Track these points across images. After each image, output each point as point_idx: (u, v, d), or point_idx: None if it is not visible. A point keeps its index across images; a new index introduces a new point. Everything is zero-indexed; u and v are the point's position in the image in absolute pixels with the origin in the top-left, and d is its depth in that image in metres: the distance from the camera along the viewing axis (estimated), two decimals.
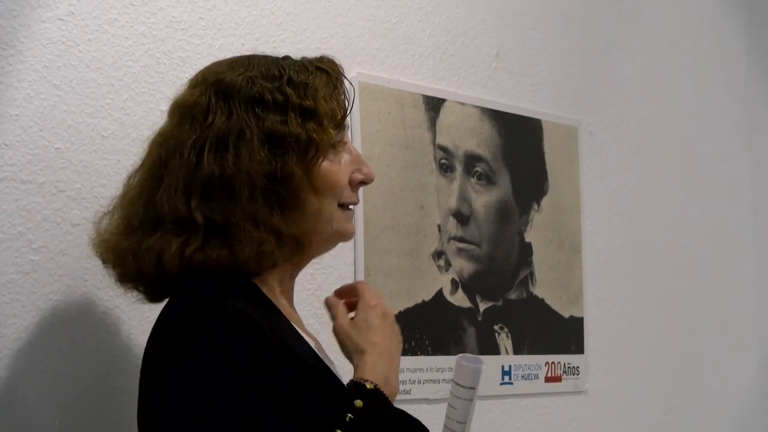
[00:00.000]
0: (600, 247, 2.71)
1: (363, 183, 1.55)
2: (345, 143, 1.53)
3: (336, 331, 1.51)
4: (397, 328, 1.52)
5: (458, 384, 1.52)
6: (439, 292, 2.26)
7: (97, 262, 1.68)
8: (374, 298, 1.52)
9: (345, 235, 1.56)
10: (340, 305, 1.54)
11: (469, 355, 1.55)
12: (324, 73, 1.51)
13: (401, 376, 1.52)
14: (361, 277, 2.09)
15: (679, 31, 3.07)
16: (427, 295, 2.23)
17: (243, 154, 1.43)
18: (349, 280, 2.05)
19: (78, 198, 1.69)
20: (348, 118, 1.55)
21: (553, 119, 2.58)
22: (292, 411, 1.34)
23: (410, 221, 2.21)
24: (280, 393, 1.34)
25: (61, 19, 1.67)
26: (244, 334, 1.35)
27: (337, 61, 1.56)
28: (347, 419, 1.35)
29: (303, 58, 1.54)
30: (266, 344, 1.36)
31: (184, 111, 1.49)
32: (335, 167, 1.50)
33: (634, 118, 2.87)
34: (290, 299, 1.55)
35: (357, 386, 1.40)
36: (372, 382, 1.40)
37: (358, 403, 1.37)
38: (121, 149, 1.75)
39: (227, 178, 1.42)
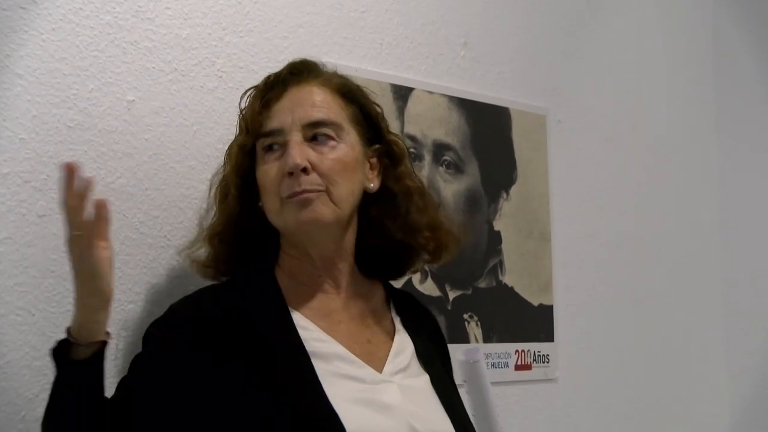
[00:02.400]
0: (569, 235, 2.72)
1: (290, 174, 1.63)
2: (287, 141, 1.65)
3: None
4: (81, 258, 1.47)
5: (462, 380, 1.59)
6: (409, 281, 2.26)
7: (63, 253, 1.68)
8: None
9: (292, 226, 1.66)
10: None
11: (471, 348, 1.55)
12: (262, 83, 1.72)
13: None
14: None
15: (647, 22, 3.08)
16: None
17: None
18: None
19: (44, 189, 1.68)
20: (307, 113, 1.66)
21: (521, 108, 2.59)
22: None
23: None
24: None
25: (23, 8, 1.66)
26: (164, 330, 1.61)
27: (303, 62, 1.75)
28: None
29: (282, 69, 1.75)
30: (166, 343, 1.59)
31: None
32: (263, 168, 1.66)
33: (602, 107, 2.88)
34: (328, 286, 1.70)
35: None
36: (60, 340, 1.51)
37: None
38: (87, 140, 1.74)
39: None
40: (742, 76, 3.32)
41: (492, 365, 2.44)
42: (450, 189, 2.38)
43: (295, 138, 1.64)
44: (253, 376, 1.53)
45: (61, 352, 1.48)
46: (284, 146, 1.64)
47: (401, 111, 2.29)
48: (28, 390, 1.62)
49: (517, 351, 2.51)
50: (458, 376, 1.68)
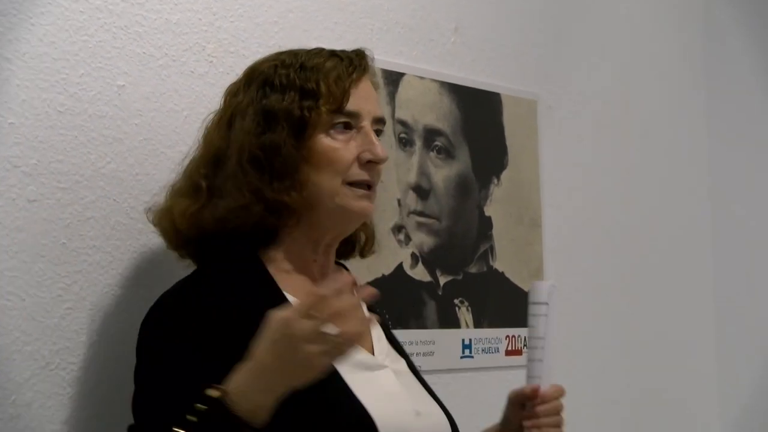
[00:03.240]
0: (560, 221, 2.72)
1: (372, 162, 1.63)
2: (361, 127, 1.63)
3: None
4: (302, 351, 1.35)
5: (533, 303, 1.63)
6: (399, 267, 2.27)
7: (54, 238, 1.68)
8: (296, 311, 1.37)
9: (351, 211, 1.63)
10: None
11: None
12: (336, 58, 1.65)
13: None
14: None
15: (638, 6, 3.08)
16: (387, 270, 2.24)
17: (237, 126, 1.61)
18: None
19: (34, 174, 1.67)
20: (377, 108, 1.67)
21: (512, 93, 2.59)
22: (171, 391, 1.45)
23: None
24: (171, 371, 1.48)
25: None
26: (174, 315, 1.54)
27: (366, 53, 1.69)
28: (187, 419, 1.37)
29: (341, 50, 1.68)
30: (184, 328, 1.51)
31: (225, 97, 1.69)
32: (336, 145, 1.61)
33: (593, 92, 2.88)
34: (316, 272, 1.65)
35: (206, 391, 1.38)
36: (222, 391, 1.37)
37: (200, 407, 1.37)
38: (78, 125, 1.74)
39: (224, 148, 1.61)
40: (734, 61, 3.32)
41: (482, 350, 2.45)
42: (441, 174, 2.38)
43: (370, 128, 1.64)
44: None
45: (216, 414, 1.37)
46: (357, 130, 1.63)
47: (392, 96, 2.29)
48: (19, 374, 1.62)
49: (507, 336, 2.51)
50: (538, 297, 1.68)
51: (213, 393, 1.37)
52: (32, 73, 1.68)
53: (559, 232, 2.72)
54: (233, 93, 1.68)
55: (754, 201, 3.29)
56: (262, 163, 1.59)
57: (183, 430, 1.37)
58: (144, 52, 1.84)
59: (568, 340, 2.71)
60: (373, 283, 2.19)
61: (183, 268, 1.75)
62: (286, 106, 1.60)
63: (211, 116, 1.70)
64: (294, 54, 1.67)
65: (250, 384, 1.37)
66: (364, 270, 2.18)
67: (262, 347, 1.38)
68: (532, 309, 1.63)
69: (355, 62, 1.66)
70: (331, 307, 1.34)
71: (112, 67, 1.79)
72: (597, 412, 2.79)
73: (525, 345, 2.54)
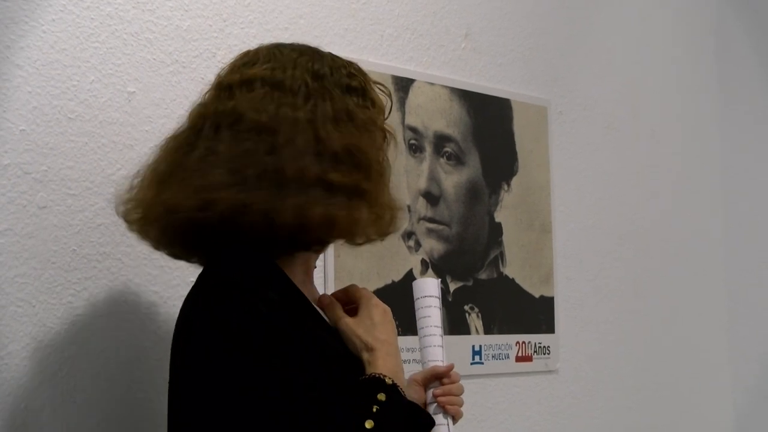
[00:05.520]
0: (570, 226, 2.72)
1: None
2: None
3: (341, 329, 1.57)
4: (394, 324, 1.60)
5: (425, 296, 1.71)
6: (409, 273, 2.26)
7: (64, 245, 1.68)
8: (372, 296, 1.61)
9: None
10: (338, 304, 1.61)
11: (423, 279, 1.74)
12: (384, 95, 1.64)
13: None
14: (330, 258, 2.09)
15: (647, 10, 3.08)
16: (397, 276, 2.24)
17: (365, 135, 1.54)
18: (320, 261, 2.05)
19: (44, 180, 1.67)
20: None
21: (522, 99, 2.59)
22: (321, 399, 1.40)
23: None
24: (310, 383, 1.41)
25: None
26: (278, 322, 1.43)
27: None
28: (374, 410, 1.43)
29: (378, 84, 1.66)
30: (297, 332, 1.45)
31: (277, 86, 1.52)
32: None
33: (603, 97, 2.88)
34: (313, 277, 1.65)
35: (377, 381, 1.48)
36: (389, 378, 1.49)
37: (381, 396, 1.45)
38: (88, 131, 1.74)
39: (354, 151, 1.51)
40: (744, 62, 3.32)
41: (493, 357, 2.44)
42: (451, 180, 2.38)
43: None
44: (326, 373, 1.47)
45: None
46: None
47: (402, 102, 2.29)
48: (29, 381, 1.62)
49: (518, 342, 2.51)
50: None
51: (388, 381, 1.48)
52: (43, 80, 1.68)
53: (569, 237, 2.71)
54: (298, 87, 1.53)
55: (765, 203, 3.28)
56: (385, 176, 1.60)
57: (374, 420, 1.42)
58: (154, 59, 1.85)
59: (580, 344, 2.71)
60: (384, 290, 2.19)
61: (193, 275, 1.75)
62: (380, 124, 1.60)
63: (258, 98, 1.52)
64: (333, 59, 1.61)
65: (395, 365, 1.51)
66: (374, 276, 2.18)
67: (381, 333, 1.54)
68: (425, 302, 1.71)
69: (390, 103, 1.66)
70: None
71: (122, 73, 1.79)
72: (608, 418, 2.79)
73: (535, 351, 2.55)
